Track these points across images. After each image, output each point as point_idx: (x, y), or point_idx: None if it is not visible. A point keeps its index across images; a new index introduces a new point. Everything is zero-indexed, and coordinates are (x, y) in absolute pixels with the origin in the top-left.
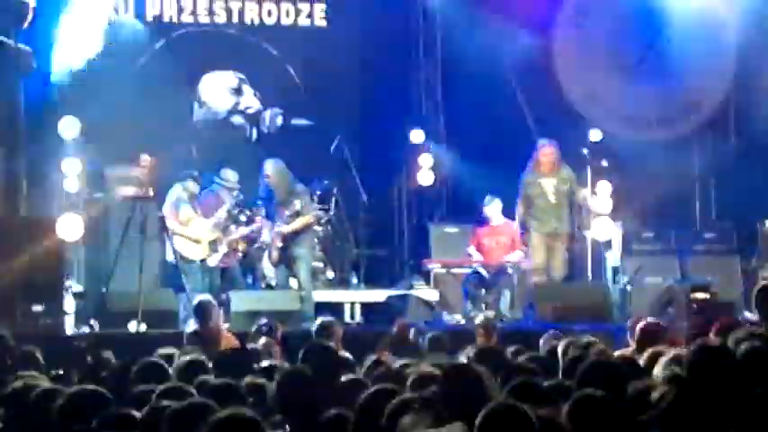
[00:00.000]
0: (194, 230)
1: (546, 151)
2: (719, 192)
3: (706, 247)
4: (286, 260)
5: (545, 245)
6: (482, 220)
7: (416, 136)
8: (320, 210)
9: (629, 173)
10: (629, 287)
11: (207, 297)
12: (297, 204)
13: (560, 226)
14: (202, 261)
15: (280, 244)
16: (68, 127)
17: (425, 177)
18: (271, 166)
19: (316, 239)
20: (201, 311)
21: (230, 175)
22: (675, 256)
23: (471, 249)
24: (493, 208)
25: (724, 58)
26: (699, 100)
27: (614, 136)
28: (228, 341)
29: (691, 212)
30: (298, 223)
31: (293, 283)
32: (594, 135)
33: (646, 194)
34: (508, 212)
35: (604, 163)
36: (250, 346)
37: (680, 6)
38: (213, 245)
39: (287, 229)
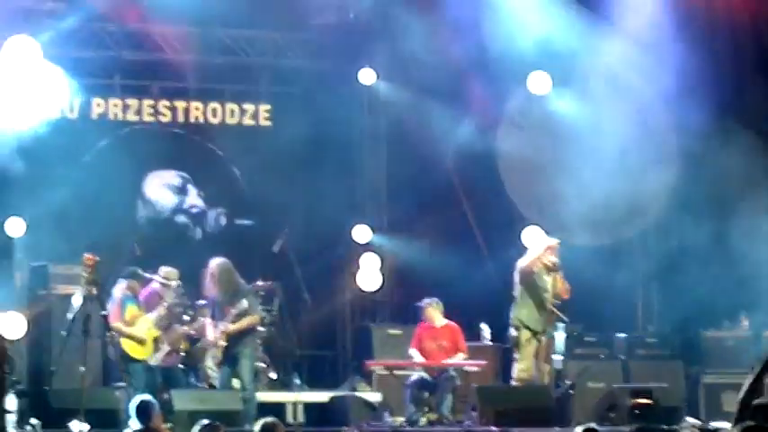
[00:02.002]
0: (139, 329)
1: (553, 248)
2: (662, 296)
3: (649, 352)
4: (229, 360)
5: (534, 345)
6: (423, 322)
7: (361, 234)
8: (263, 310)
9: (571, 276)
10: (571, 391)
11: (147, 397)
12: (243, 303)
13: (551, 327)
14: (145, 360)
15: (224, 343)
16: (14, 226)
17: (367, 281)
18: (217, 266)
19: (259, 340)
20: (143, 411)
21: (170, 273)
22: (618, 360)
23: (413, 351)
24: (429, 310)
25: (667, 163)
26: (642, 204)
27: (557, 238)
28: None
29: (634, 317)
30: (243, 323)
31: (236, 383)
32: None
33: (589, 298)
34: (448, 313)
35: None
36: None
37: (623, 111)
38: (156, 343)
39: (232, 328)
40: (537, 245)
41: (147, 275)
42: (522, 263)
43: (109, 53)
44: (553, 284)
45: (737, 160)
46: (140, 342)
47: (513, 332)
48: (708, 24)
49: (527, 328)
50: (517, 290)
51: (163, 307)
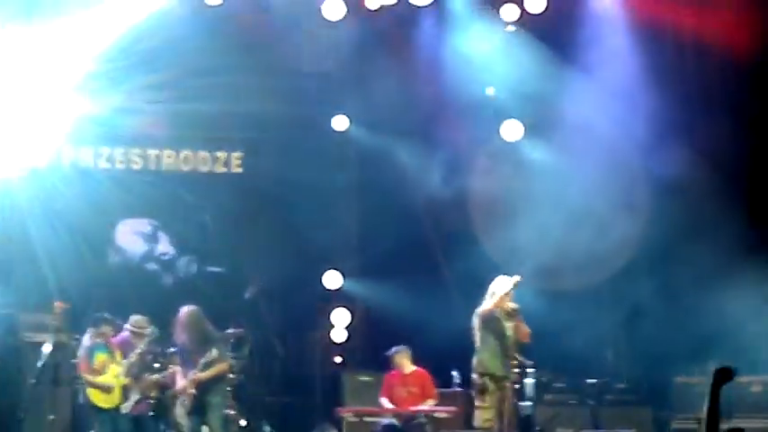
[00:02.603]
0: (107, 377)
1: (511, 293)
2: (632, 342)
3: (618, 398)
4: (198, 408)
5: (498, 393)
6: (393, 370)
7: (332, 280)
8: (234, 357)
9: (541, 321)
10: None
11: None
12: (212, 353)
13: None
14: (113, 409)
15: (194, 391)
16: None
17: (338, 334)
18: (187, 314)
19: (228, 387)
20: None
21: (139, 322)
22: (587, 406)
23: (383, 400)
24: (398, 357)
25: (636, 208)
26: (612, 250)
27: (528, 284)
28: None
29: (603, 362)
30: (212, 371)
31: (205, 430)
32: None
33: (558, 344)
34: (420, 360)
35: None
36: None
37: (594, 157)
38: (125, 392)
39: (201, 376)
40: (496, 290)
41: (119, 322)
42: (481, 308)
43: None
44: (514, 330)
45: (708, 206)
46: (107, 391)
47: (476, 379)
48: (679, 72)
49: (491, 375)
50: (477, 337)
51: (135, 354)
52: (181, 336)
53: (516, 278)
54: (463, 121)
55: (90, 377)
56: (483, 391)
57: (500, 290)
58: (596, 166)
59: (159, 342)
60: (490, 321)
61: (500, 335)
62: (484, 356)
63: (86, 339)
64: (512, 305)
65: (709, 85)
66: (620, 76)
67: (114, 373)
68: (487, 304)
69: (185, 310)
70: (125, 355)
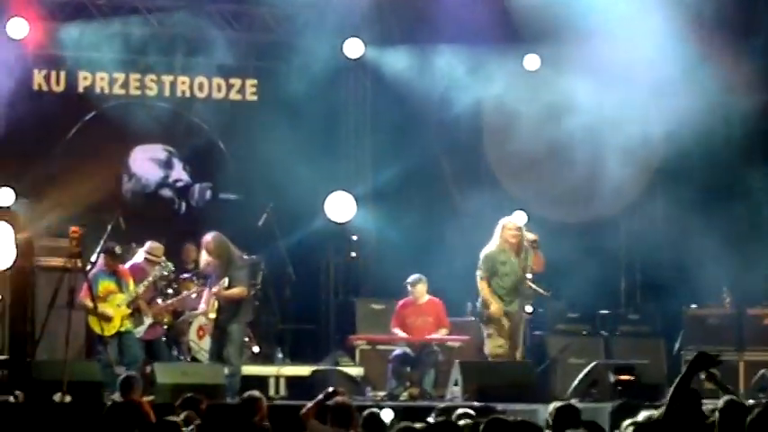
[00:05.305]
0: (108, 306)
1: (515, 232)
2: (645, 273)
3: (631, 329)
4: (219, 334)
5: (510, 324)
6: (407, 299)
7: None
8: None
9: (556, 253)
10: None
11: (131, 372)
12: (234, 280)
13: (523, 305)
14: (116, 335)
15: (214, 315)
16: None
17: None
18: (214, 239)
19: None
20: (126, 385)
21: (155, 249)
22: (600, 337)
23: (396, 330)
24: (419, 287)
25: (651, 141)
26: (626, 182)
27: (541, 216)
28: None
29: (616, 294)
30: (234, 291)
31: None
32: (520, 217)
33: (571, 275)
34: (433, 289)
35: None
36: (171, 419)
37: (606, 91)
38: (139, 317)
39: (224, 293)
40: (499, 228)
41: (135, 246)
42: (484, 250)
43: (96, 26)
44: (525, 260)
45: (721, 138)
46: (105, 319)
47: (483, 310)
48: None
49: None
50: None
51: (143, 286)
52: (207, 261)
53: (520, 221)
54: (481, 48)
55: (89, 304)
56: (488, 321)
57: (502, 228)
58: (612, 98)
59: (173, 270)
60: (487, 263)
61: (499, 275)
62: (484, 293)
63: (94, 268)
64: (531, 236)
65: None
66: None
67: (116, 301)
68: (490, 245)
69: (211, 236)
70: (138, 281)
